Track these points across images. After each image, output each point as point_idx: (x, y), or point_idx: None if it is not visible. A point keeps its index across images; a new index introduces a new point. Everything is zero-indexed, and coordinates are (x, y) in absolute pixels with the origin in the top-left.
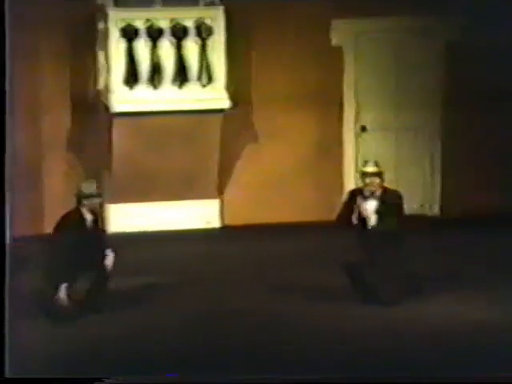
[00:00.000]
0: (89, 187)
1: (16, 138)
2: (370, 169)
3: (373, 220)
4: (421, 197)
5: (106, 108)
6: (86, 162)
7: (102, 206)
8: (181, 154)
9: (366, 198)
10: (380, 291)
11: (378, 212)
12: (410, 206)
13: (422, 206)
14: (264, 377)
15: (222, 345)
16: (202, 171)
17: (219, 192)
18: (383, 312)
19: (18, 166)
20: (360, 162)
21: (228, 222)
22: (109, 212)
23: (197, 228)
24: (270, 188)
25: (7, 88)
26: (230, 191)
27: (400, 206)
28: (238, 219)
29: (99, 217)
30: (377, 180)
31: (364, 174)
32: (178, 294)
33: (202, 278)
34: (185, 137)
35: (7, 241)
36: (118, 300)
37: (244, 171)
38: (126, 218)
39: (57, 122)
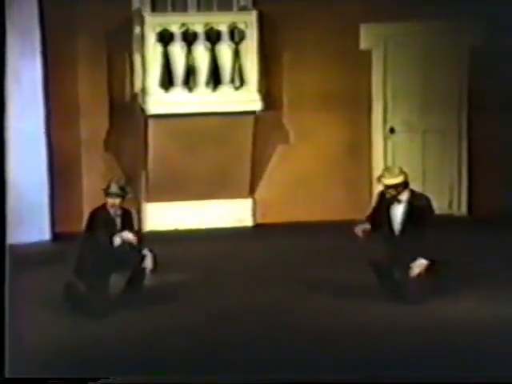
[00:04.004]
0: (113, 186)
1: (55, 139)
2: (387, 181)
3: (399, 225)
4: (448, 197)
5: (143, 110)
6: (123, 163)
7: (121, 204)
8: (214, 154)
9: (392, 202)
10: (406, 290)
11: (405, 216)
12: (437, 207)
13: (449, 206)
14: (289, 376)
15: (250, 342)
16: (235, 171)
17: (251, 191)
18: (409, 310)
19: (58, 166)
20: (389, 162)
21: (260, 220)
22: (145, 211)
23: (230, 227)
24: (300, 187)
25: (43, 90)
26: (262, 190)
27: (429, 208)
28: (269, 218)
29: (128, 215)
30: (393, 192)
31: (384, 185)
32: (208, 291)
33: (234, 275)
34: (218, 138)
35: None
36: (150, 297)
37: (275, 171)
38: (161, 216)
39: (95, 123)
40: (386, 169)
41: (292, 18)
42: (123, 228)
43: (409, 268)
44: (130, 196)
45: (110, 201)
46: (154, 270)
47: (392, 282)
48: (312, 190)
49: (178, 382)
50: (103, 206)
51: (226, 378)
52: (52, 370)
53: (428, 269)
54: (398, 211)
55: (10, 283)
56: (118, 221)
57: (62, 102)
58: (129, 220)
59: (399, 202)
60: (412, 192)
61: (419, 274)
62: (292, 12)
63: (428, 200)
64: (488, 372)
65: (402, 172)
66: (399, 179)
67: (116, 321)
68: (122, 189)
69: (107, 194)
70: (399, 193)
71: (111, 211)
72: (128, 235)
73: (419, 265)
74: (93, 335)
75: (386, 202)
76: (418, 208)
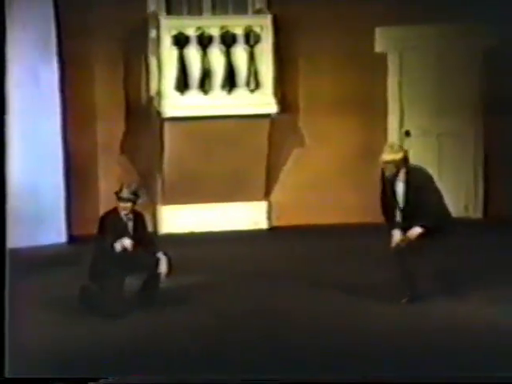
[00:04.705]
0: (125, 191)
1: (72, 142)
2: (387, 157)
3: (402, 202)
4: (464, 201)
5: (158, 113)
6: (139, 165)
7: (133, 207)
8: (230, 157)
9: (394, 180)
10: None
11: (406, 195)
12: (453, 210)
13: (465, 209)
14: (306, 377)
15: (266, 344)
16: (250, 174)
17: (267, 194)
18: (421, 311)
19: (74, 168)
20: None
21: (275, 223)
22: (160, 213)
23: (245, 229)
24: (315, 190)
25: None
26: (277, 193)
27: (428, 182)
28: (284, 221)
29: (140, 217)
30: (393, 169)
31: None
32: (223, 293)
33: (249, 277)
34: (234, 140)
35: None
36: (164, 298)
37: (291, 174)
38: (176, 219)
39: (111, 126)
40: (388, 145)
41: (307, 22)
42: (136, 231)
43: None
44: (141, 200)
45: (122, 205)
46: (168, 274)
47: (411, 278)
48: (327, 193)
49: (179, 382)
50: (114, 210)
51: (233, 378)
52: (52, 370)
53: (422, 236)
54: (400, 189)
55: (23, 284)
56: (130, 224)
57: (78, 104)
58: (141, 223)
59: (399, 178)
60: (408, 170)
61: (412, 241)
62: (307, 15)
63: (425, 174)
64: (489, 373)
65: (402, 149)
66: (399, 156)
67: (121, 322)
68: (133, 193)
69: (119, 198)
70: (399, 170)
71: (123, 215)
72: (124, 242)
73: (413, 232)
74: (95, 336)
75: (388, 179)
76: (417, 186)
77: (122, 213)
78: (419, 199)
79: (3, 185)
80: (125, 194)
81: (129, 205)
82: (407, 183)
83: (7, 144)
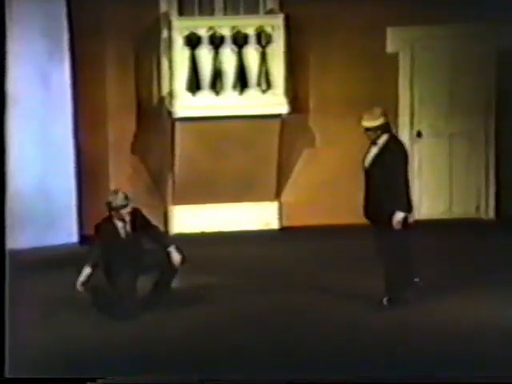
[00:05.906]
0: (116, 199)
1: (83, 142)
2: (365, 123)
3: (368, 165)
4: (475, 201)
5: (170, 113)
6: (150, 165)
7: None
8: (241, 157)
9: (371, 145)
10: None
11: (374, 159)
12: (465, 211)
13: (476, 210)
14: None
15: (276, 345)
16: (261, 174)
17: (277, 194)
18: (436, 311)
19: (85, 168)
20: (416, 166)
21: (286, 223)
22: (171, 213)
23: (256, 229)
24: (326, 191)
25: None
26: (288, 194)
27: (400, 155)
28: (295, 221)
29: (137, 214)
30: (373, 136)
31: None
32: (234, 294)
33: (260, 278)
34: (245, 141)
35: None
36: (175, 298)
37: (301, 174)
38: (187, 219)
39: (122, 126)
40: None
41: (319, 22)
42: (134, 229)
43: (378, 211)
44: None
45: (121, 212)
46: (182, 263)
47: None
48: (338, 193)
49: (180, 382)
50: (108, 217)
51: (244, 379)
52: (52, 370)
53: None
54: (371, 153)
55: (32, 284)
56: (128, 227)
57: (89, 105)
58: (141, 219)
59: (376, 144)
60: (391, 137)
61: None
62: (319, 15)
63: (402, 148)
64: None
65: (383, 114)
66: (378, 122)
67: (124, 322)
68: (125, 198)
69: (113, 208)
70: (378, 136)
71: (118, 223)
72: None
73: (397, 217)
74: (97, 336)
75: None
76: (389, 153)
77: (118, 221)
78: (387, 170)
79: (3, 185)
80: (119, 201)
81: (126, 210)
82: (382, 148)
83: (8, 143)
